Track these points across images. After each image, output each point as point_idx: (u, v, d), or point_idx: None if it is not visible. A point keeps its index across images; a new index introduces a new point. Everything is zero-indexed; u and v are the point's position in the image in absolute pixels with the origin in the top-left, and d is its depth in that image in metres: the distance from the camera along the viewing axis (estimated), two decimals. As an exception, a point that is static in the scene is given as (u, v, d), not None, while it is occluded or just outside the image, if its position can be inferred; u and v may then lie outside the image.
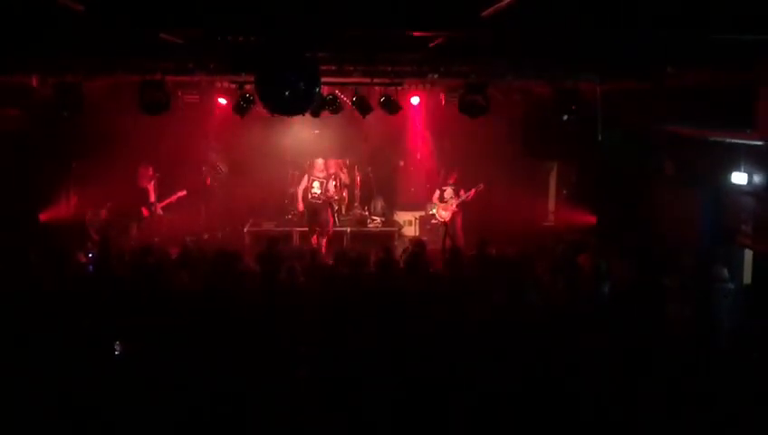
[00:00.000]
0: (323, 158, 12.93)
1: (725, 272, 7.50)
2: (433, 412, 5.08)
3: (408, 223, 14.10)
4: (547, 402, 5.15)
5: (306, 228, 12.77)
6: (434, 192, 13.02)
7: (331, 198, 12.83)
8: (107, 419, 5.01)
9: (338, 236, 13.09)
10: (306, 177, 12.65)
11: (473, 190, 12.55)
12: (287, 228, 13.05)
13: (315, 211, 12.55)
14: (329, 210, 12.77)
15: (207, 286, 7.63)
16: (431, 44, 7.01)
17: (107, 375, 5.49)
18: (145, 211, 12.26)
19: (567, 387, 5.31)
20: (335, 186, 13.34)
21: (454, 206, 12.73)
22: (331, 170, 13.40)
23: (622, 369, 5.51)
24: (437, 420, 5.02)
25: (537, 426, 5.01)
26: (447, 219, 12.67)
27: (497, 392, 5.23)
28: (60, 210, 11.75)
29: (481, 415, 5.06)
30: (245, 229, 13.08)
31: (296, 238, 12.92)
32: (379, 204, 13.99)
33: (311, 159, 12.97)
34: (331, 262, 9.70)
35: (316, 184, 12.55)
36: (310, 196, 12.56)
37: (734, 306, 7.32)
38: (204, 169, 13.51)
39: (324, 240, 12.46)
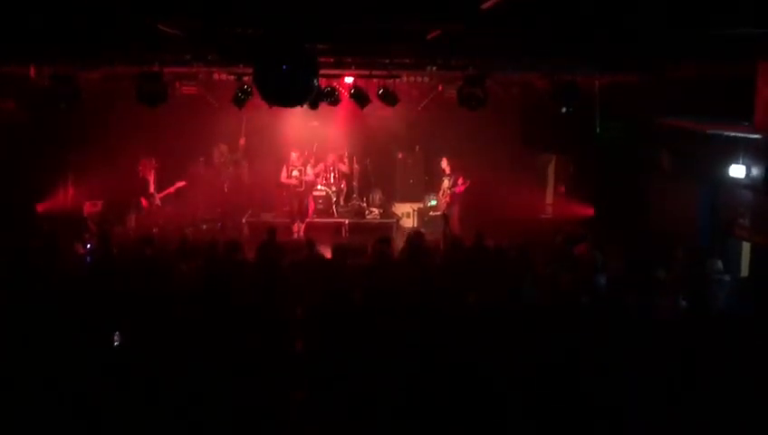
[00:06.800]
0: (320, 148, 13.30)
1: (719, 264, 7.53)
2: (433, 404, 5.10)
3: (407, 214, 14.13)
4: (546, 393, 5.18)
5: (287, 218, 13.03)
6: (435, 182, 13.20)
7: (312, 185, 13.20)
8: (106, 411, 5.03)
9: (336, 227, 13.13)
10: (284, 167, 13.03)
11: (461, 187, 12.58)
12: (286, 219, 13.06)
13: (296, 198, 13.02)
14: (310, 197, 13.26)
15: (207, 277, 7.65)
16: (429, 36, 6.99)
17: (106, 366, 5.50)
18: (143, 202, 12.25)
19: (564, 377, 5.34)
20: (334, 176, 13.47)
21: (447, 196, 12.76)
22: (329, 161, 13.51)
23: (618, 359, 5.54)
24: (437, 412, 5.05)
25: (534, 416, 5.04)
26: (443, 209, 12.66)
27: (496, 384, 5.26)
28: (57, 201, 11.74)
29: (481, 407, 5.09)
30: (244, 220, 13.10)
31: (295, 230, 12.94)
32: (377, 195, 14.02)
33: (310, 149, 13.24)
34: (328, 253, 9.71)
35: (294, 172, 13.05)
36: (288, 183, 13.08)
37: (730, 298, 7.36)
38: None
39: (303, 226, 12.89)
